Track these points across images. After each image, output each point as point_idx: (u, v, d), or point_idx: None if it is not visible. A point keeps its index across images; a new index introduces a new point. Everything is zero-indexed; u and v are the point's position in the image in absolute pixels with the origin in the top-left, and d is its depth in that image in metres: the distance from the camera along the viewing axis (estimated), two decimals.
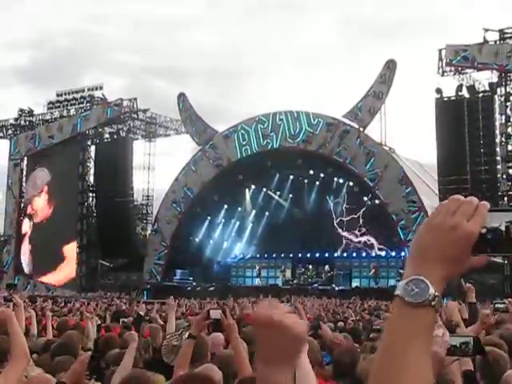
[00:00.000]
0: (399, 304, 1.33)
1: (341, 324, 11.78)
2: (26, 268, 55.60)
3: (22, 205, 57.54)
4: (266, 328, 1.43)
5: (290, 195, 49.71)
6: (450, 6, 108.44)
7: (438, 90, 40.11)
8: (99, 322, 12.42)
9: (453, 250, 1.34)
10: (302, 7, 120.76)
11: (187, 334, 4.80)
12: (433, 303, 1.31)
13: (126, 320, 10.55)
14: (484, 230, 1.35)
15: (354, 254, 46.14)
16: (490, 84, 39.48)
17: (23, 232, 56.26)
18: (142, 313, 10.57)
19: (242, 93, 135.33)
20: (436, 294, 1.32)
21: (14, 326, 4.13)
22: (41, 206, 55.64)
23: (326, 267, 46.97)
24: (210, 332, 6.55)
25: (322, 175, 46.32)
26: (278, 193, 49.92)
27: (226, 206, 50.56)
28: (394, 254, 43.83)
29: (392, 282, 43.28)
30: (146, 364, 5.76)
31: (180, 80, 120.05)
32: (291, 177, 48.33)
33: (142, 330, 7.73)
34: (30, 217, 56.22)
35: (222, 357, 5.22)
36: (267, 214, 51.19)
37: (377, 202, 42.62)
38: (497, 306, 5.71)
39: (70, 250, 52.82)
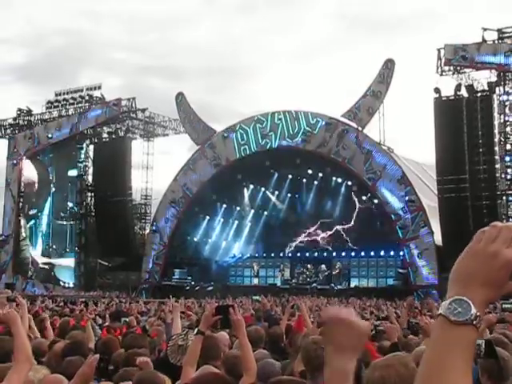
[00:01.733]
0: (442, 322, 1.43)
1: None
2: None
3: (21, 204, 57.49)
4: (338, 325, 1.82)
5: (289, 195, 49.72)
6: (449, 5, 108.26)
7: (437, 90, 40.10)
8: (100, 322, 12.43)
9: (493, 276, 1.43)
10: (298, 4, 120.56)
11: (196, 330, 4.79)
12: (474, 322, 1.40)
13: (127, 319, 10.53)
14: None
15: (353, 254, 46.17)
16: (489, 83, 39.46)
17: None
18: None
19: (240, 91, 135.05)
20: (478, 313, 1.40)
21: (18, 328, 4.10)
22: None
23: (323, 267, 47.00)
24: (219, 328, 6.55)
25: (320, 175, 46.31)
26: (277, 192, 49.90)
27: (224, 206, 50.56)
28: (392, 253, 43.88)
29: (390, 282, 43.37)
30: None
31: (178, 78, 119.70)
32: (290, 176, 48.34)
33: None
34: None
35: (229, 357, 5.22)
36: (266, 213, 51.22)
37: (375, 201, 42.61)
38: (504, 306, 5.67)
39: None
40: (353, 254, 46.15)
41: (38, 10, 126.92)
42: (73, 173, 54.94)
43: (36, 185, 57.54)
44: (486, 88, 39.59)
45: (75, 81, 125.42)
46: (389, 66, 42.54)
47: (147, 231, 53.15)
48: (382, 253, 44.83)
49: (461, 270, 1.47)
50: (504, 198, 39.09)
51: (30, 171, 57.68)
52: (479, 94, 39.57)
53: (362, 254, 45.80)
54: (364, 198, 44.38)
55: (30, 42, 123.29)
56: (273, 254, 49.55)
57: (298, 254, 48.22)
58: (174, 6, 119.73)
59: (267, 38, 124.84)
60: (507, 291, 1.46)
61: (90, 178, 54.75)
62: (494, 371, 3.93)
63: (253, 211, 51.55)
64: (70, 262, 54.14)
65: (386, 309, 18.83)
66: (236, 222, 52.17)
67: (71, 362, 4.45)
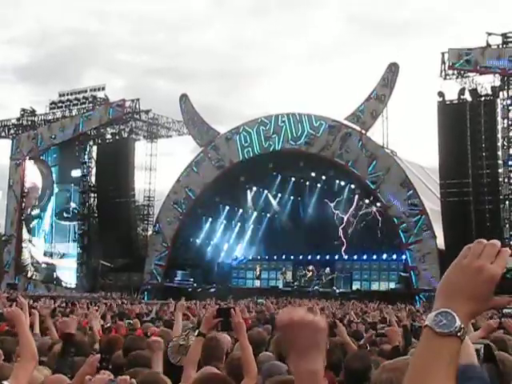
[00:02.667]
0: (428, 333, 1.49)
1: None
2: None
3: (24, 204, 57.56)
4: (292, 328, 1.75)
5: (292, 197, 49.73)
6: (453, 10, 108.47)
7: (441, 94, 40.10)
8: (102, 323, 12.43)
9: (478, 290, 1.50)
10: (305, 9, 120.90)
11: (196, 332, 4.81)
12: (459, 334, 1.47)
13: (131, 322, 10.52)
14: (504, 270, 1.51)
15: (355, 257, 46.13)
16: (493, 88, 39.45)
17: None
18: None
19: (245, 93, 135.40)
20: (462, 326, 1.47)
21: (22, 327, 4.11)
22: None
23: (327, 270, 46.95)
24: (219, 330, 6.56)
25: (323, 177, 46.36)
26: (280, 195, 49.93)
27: (227, 208, 50.60)
28: (395, 256, 43.83)
29: (393, 285, 43.32)
30: None
31: (182, 80, 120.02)
32: (293, 179, 48.40)
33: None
34: None
35: (231, 359, 5.22)
36: (268, 215, 51.22)
37: (378, 204, 42.60)
38: (505, 310, 5.60)
39: None
40: (355, 257, 46.09)
41: (45, 9, 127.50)
42: (76, 173, 54.97)
43: (40, 187, 57.55)
44: (490, 92, 39.59)
45: (79, 81, 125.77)
46: (393, 69, 42.54)
47: (150, 232, 53.19)
48: (385, 256, 44.79)
49: (447, 284, 1.54)
50: (507, 202, 39.07)
51: (33, 173, 57.66)
52: (483, 99, 39.58)
53: (365, 257, 45.74)
54: (367, 201, 44.38)
55: (34, 41, 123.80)
56: (275, 257, 49.53)
57: (300, 257, 48.18)
58: (181, 8, 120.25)
59: (274, 41, 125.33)
60: (491, 305, 1.53)
61: (93, 179, 54.78)
62: (493, 376, 3.92)
63: (255, 213, 51.59)
64: (72, 262, 54.13)
65: (387, 312, 18.83)
66: (239, 224, 52.20)
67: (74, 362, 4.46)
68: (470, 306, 1.50)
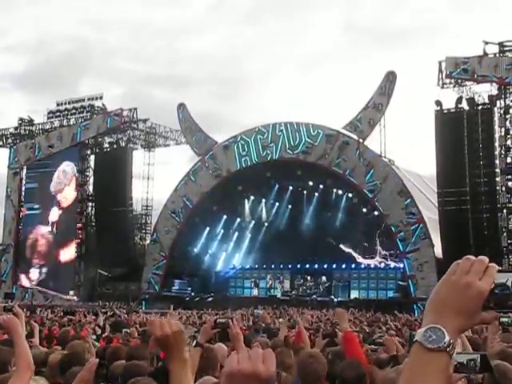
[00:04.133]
0: (418, 348, 1.51)
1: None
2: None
3: (21, 213, 57.47)
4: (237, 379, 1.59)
5: (289, 206, 49.73)
6: (451, 19, 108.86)
7: (438, 102, 40.19)
8: (99, 332, 12.41)
9: (466, 306, 1.52)
10: (302, 16, 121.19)
11: (194, 342, 4.82)
12: (448, 349, 1.49)
13: (128, 331, 10.51)
14: (492, 285, 1.54)
15: (353, 266, 46.11)
16: (490, 96, 39.57)
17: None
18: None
19: (243, 101, 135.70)
20: (451, 341, 1.50)
21: (18, 336, 4.09)
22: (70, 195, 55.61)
23: (324, 278, 46.93)
24: (217, 341, 6.56)
25: (321, 186, 46.40)
26: (277, 204, 49.89)
27: (225, 217, 50.57)
28: (392, 265, 43.82)
29: (391, 294, 43.29)
30: (150, 374, 5.75)
31: (180, 88, 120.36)
32: (290, 188, 48.42)
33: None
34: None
35: None
36: (266, 224, 51.20)
37: (376, 213, 42.59)
38: (501, 319, 5.52)
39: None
40: (353, 265, 46.07)
41: (42, 17, 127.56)
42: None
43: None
44: (487, 101, 39.71)
45: (76, 89, 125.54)
46: (390, 78, 42.62)
47: (147, 242, 53.20)
48: (383, 265, 44.77)
49: (436, 300, 1.56)
50: (504, 210, 39.09)
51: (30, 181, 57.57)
52: (480, 107, 39.68)
53: (362, 265, 45.74)
54: (364, 210, 44.39)
55: (31, 49, 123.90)
56: (273, 266, 49.49)
57: (298, 266, 48.16)
58: (178, 16, 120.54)
59: (273, 47, 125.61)
60: (479, 321, 1.56)
61: (90, 188, 54.80)
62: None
63: (253, 222, 51.56)
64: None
65: (385, 320, 18.80)
66: (236, 233, 52.17)
67: (73, 373, 4.43)
68: (459, 321, 1.52)
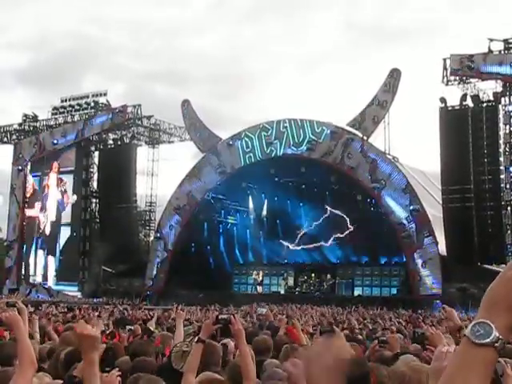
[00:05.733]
0: (465, 343, 1.52)
1: (345, 332, 11.70)
2: None
3: (26, 210, 57.54)
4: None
5: (293, 203, 49.66)
6: (455, 16, 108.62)
7: (442, 100, 40.12)
8: (103, 329, 12.41)
9: None
10: (304, 12, 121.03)
11: (196, 338, 4.84)
12: (495, 344, 1.48)
13: (132, 328, 10.50)
14: None
15: (357, 263, 46.07)
16: (495, 94, 39.47)
17: None
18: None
19: (246, 98, 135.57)
20: (500, 337, 1.49)
21: (21, 332, 4.09)
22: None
23: (328, 275, 46.93)
24: (219, 337, 6.57)
25: (325, 183, 46.31)
26: (282, 200, 49.87)
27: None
28: (396, 262, 43.80)
29: (394, 291, 43.29)
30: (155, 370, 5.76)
31: (184, 85, 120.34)
32: (294, 184, 48.33)
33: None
34: None
35: (233, 365, 5.23)
36: (270, 221, 51.18)
37: (380, 210, 42.54)
38: None
39: None
40: (357, 262, 46.04)
41: (44, 14, 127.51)
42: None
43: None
44: (492, 98, 39.61)
45: (79, 86, 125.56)
46: (394, 75, 42.55)
47: (151, 238, 53.25)
48: (386, 262, 44.73)
49: (491, 295, 1.55)
50: (509, 208, 39.01)
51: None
52: (485, 105, 39.59)
53: (366, 263, 45.72)
54: (368, 207, 44.34)
55: (34, 45, 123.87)
56: (277, 262, 49.50)
57: (302, 263, 48.17)
58: (181, 14, 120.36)
59: (274, 47, 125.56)
60: None
61: (94, 185, 54.85)
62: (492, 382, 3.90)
63: (257, 219, 51.53)
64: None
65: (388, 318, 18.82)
66: (240, 229, 52.16)
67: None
68: (509, 318, 1.50)
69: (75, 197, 54.18)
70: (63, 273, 53.36)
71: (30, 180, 57.30)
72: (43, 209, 56.10)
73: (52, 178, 56.10)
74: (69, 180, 54.98)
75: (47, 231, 55.62)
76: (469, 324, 1.54)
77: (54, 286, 53.40)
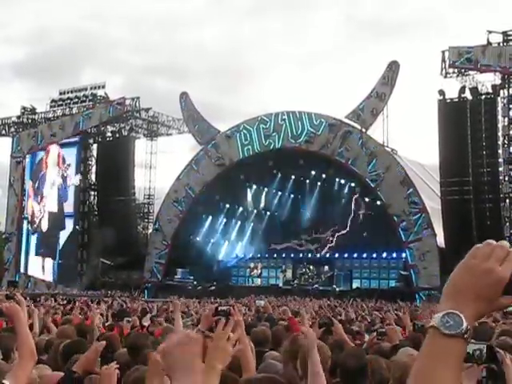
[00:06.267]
0: (434, 334, 1.50)
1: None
2: None
3: (24, 202, 57.52)
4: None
5: (292, 195, 49.70)
6: (454, 8, 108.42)
7: (441, 92, 40.10)
8: (102, 321, 12.44)
9: (486, 292, 1.50)
10: (304, 6, 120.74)
11: (195, 330, 4.83)
12: (465, 336, 1.47)
13: (130, 319, 10.52)
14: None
15: (355, 255, 46.11)
16: (493, 86, 39.44)
17: None
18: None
19: (245, 91, 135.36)
20: (469, 327, 1.47)
21: (21, 324, 4.10)
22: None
23: (326, 268, 46.96)
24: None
25: (323, 176, 46.31)
26: (280, 193, 49.83)
27: (227, 206, 50.57)
28: (394, 255, 43.81)
29: (392, 284, 43.32)
30: None
31: (182, 78, 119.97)
32: (293, 177, 48.33)
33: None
34: None
35: (232, 357, 5.23)
36: (268, 213, 51.19)
37: (378, 203, 42.56)
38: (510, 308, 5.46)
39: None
40: (355, 255, 46.06)
41: (42, 7, 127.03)
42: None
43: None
44: (491, 91, 39.59)
45: (78, 79, 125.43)
46: (393, 67, 42.52)
47: (150, 231, 53.27)
48: (385, 254, 44.76)
49: (455, 284, 1.53)
50: (507, 200, 39.08)
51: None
52: (483, 97, 39.58)
53: (365, 255, 45.70)
54: (367, 199, 44.37)
55: (33, 39, 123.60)
56: (275, 255, 49.52)
57: (301, 255, 48.19)
58: (181, 7, 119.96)
59: (273, 40, 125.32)
60: (496, 307, 1.54)
61: (93, 177, 54.84)
62: (495, 376, 3.91)
63: (255, 211, 51.54)
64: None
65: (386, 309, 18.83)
66: (239, 222, 52.16)
67: (77, 360, 4.44)
68: (477, 307, 1.50)
69: (79, 177, 53.94)
70: (63, 276, 52.96)
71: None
72: (38, 195, 55.79)
73: (52, 153, 55.55)
74: (71, 157, 54.60)
75: (43, 226, 55.42)
76: (437, 314, 1.51)
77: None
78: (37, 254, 55.36)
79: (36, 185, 56.11)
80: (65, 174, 54.49)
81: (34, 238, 56.08)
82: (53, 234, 54.29)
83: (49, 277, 54.00)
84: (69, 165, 54.29)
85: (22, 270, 55.75)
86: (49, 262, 54.51)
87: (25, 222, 56.87)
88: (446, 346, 1.47)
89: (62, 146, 54.62)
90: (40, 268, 54.75)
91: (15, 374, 3.77)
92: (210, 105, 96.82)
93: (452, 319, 1.48)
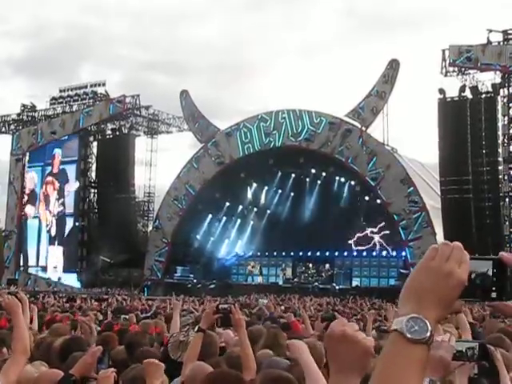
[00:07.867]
0: (397, 338, 1.45)
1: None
2: None
3: (24, 200, 57.51)
4: (340, 342, 1.68)
5: (292, 193, 49.68)
6: (454, 6, 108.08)
7: (441, 91, 40.08)
8: (101, 318, 12.46)
9: (446, 295, 1.47)
10: (303, 2, 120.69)
11: (196, 328, 4.84)
12: (429, 342, 1.43)
13: (127, 317, 10.54)
14: (473, 275, 1.52)
15: (355, 253, 46.13)
16: (493, 85, 39.43)
17: None
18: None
19: (245, 88, 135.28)
20: (433, 333, 1.43)
21: (18, 318, 4.11)
22: None
23: (327, 266, 46.97)
24: (219, 326, 6.58)
25: (323, 174, 46.25)
26: (280, 191, 49.79)
27: (227, 204, 50.49)
28: (394, 253, 43.85)
29: (392, 282, 43.31)
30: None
31: (182, 75, 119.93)
32: (293, 175, 48.28)
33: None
34: None
35: (233, 356, 5.24)
36: (268, 212, 51.16)
37: (378, 201, 42.55)
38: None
39: None
40: (355, 253, 46.09)
41: (41, 2, 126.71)
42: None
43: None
44: (491, 89, 39.58)
45: (78, 76, 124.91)
46: (393, 66, 42.51)
47: (150, 228, 53.27)
48: (384, 253, 44.78)
49: (415, 286, 1.49)
50: (507, 199, 39.07)
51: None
52: (483, 96, 39.57)
53: (364, 253, 45.74)
54: (367, 198, 44.34)
55: (32, 35, 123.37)
56: (275, 253, 49.51)
57: (300, 253, 48.19)
58: (180, 3, 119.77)
59: (273, 36, 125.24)
60: (453, 310, 1.51)
61: (93, 175, 54.83)
62: (488, 373, 3.93)
63: (256, 210, 51.51)
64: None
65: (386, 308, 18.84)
66: (239, 220, 52.11)
67: (75, 357, 4.44)
68: (438, 311, 1.47)
69: (77, 184, 53.97)
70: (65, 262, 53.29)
71: (31, 175, 57.08)
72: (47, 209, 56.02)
73: (50, 186, 55.88)
74: (71, 171, 54.67)
75: (53, 231, 55.46)
76: (400, 317, 1.46)
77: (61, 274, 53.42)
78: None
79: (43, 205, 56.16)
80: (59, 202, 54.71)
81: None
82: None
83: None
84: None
85: (40, 263, 55.55)
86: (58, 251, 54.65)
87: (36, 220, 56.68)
88: (411, 352, 1.42)
89: (63, 163, 54.72)
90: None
91: (6, 370, 3.79)
92: (210, 101, 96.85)
93: (417, 324, 1.43)
